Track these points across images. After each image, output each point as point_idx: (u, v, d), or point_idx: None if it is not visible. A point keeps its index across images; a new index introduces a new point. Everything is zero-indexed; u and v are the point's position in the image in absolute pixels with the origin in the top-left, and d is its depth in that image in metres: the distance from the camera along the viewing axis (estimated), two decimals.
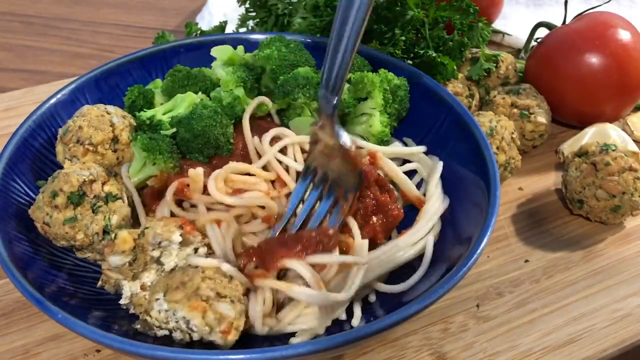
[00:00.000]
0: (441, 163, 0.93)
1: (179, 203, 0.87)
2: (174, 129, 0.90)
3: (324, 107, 0.86)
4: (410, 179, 0.95)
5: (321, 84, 0.86)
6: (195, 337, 0.72)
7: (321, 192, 0.86)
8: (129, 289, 0.77)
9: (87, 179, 0.81)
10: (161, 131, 0.90)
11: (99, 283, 0.80)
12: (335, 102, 0.85)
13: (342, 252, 0.82)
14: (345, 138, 0.86)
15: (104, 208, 0.82)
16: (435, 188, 0.91)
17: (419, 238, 0.85)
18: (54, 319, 0.69)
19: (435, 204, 0.89)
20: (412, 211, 0.91)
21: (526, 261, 0.95)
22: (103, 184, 0.83)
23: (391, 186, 0.92)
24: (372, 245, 0.85)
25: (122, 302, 0.77)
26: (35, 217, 0.82)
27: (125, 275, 0.77)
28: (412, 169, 0.96)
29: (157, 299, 0.73)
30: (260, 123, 0.94)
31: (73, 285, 0.80)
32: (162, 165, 0.86)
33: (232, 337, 0.72)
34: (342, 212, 0.84)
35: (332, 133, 0.86)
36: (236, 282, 0.75)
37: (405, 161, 0.98)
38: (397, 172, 0.93)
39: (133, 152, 0.88)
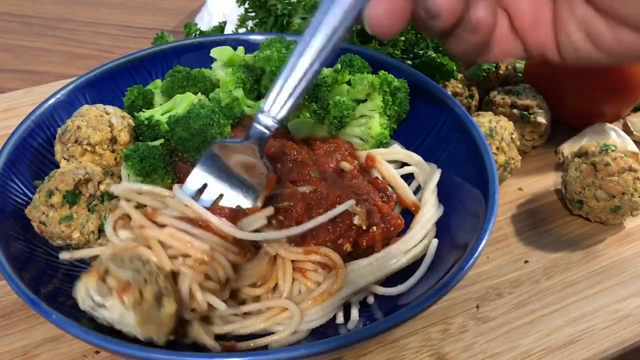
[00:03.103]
0: (439, 171, 0.92)
1: None
2: (162, 140, 0.89)
3: (258, 128, 0.76)
4: (408, 184, 0.94)
5: (266, 99, 0.73)
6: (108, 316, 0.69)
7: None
8: None
9: (83, 178, 0.81)
10: (149, 142, 0.89)
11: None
12: (271, 130, 0.75)
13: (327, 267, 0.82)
14: (268, 163, 0.80)
15: (99, 207, 0.82)
16: (430, 195, 0.90)
17: (412, 245, 0.85)
18: (48, 319, 0.69)
19: (429, 211, 0.89)
20: (407, 217, 0.90)
21: (526, 262, 0.95)
22: (99, 183, 0.83)
23: (391, 190, 0.91)
24: (369, 252, 0.84)
25: None
26: (31, 217, 0.82)
27: None
28: (410, 172, 0.95)
29: None
30: None
31: (69, 286, 0.80)
32: (159, 183, 0.85)
33: (128, 298, 0.67)
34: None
35: (259, 157, 0.79)
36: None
37: (404, 164, 0.97)
38: (396, 177, 0.92)
39: None
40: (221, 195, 0.81)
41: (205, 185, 0.81)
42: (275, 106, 0.73)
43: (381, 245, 0.84)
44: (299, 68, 0.68)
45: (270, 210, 0.79)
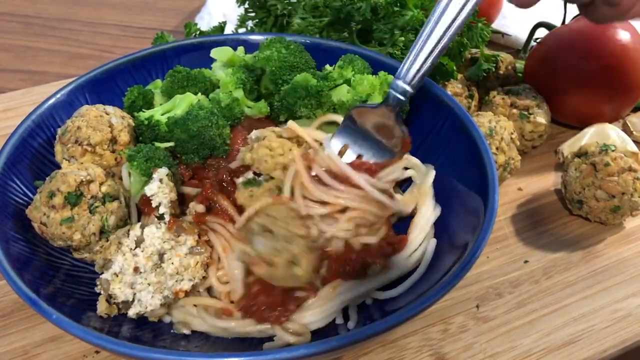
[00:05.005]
0: (433, 172, 0.91)
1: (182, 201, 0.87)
2: (172, 143, 0.89)
3: (394, 94, 0.86)
4: (407, 187, 0.94)
5: (399, 71, 0.86)
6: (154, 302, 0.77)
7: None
8: (119, 265, 0.77)
9: (84, 179, 0.81)
10: (155, 142, 0.89)
11: (96, 248, 0.82)
12: (406, 95, 0.86)
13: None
14: (403, 128, 0.89)
15: (101, 209, 0.82)
16: (426, 197, 0.90)
17: (412, 250, 0.84)
18: (49, 319, 0.69)
19: (425, 214, 0.88)
20: (405, 221, 0.90)
21: (526, 262, 0.95)
22: (101, 184, 0.83)
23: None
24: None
25: (103, 276, 0.78)
26: (32, 217, 0.82)
27: None
28: (409, 176, 0.94)
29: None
30: (256, 124, 0.94)
31: (70, 286, 0.80)
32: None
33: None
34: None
35: (394, 120, 0.88)
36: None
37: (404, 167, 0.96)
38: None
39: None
40: (360, 156, 0.88)
41: (345, 146, 0.88)
42: (410, 73, 0.84)
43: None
44: (433, 36, 0.81)
45: (403, 163, 0.88)
